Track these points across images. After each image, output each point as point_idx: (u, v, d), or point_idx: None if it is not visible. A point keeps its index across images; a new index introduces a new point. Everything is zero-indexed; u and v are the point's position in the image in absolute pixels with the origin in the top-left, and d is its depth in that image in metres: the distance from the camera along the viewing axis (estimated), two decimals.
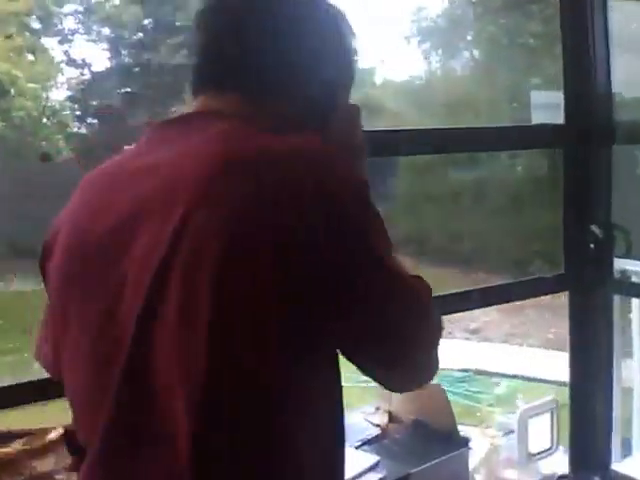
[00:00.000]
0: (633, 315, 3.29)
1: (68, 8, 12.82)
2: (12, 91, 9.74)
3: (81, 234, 1.10)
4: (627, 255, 3.03)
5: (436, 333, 1.12)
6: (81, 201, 1.16)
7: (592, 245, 3.00)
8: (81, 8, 14.48)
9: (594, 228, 3.01)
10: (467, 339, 8.76)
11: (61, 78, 12.74)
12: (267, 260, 0.94)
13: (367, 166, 1.22)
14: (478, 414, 5.60)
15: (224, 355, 0.96)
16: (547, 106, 3.30)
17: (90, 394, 1.06)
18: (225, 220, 0.96)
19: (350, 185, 1.02)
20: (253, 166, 0.99)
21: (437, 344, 1.13)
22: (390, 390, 1.30)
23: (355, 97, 1.27)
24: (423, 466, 2.31)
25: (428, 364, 1.13)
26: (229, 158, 1.00)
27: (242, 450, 0.96)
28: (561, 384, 3.79)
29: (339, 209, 0.98)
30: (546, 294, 3.41)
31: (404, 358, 1.08)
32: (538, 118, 3.33)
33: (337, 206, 0.98)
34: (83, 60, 14.77)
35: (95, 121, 15.19)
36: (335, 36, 1.18)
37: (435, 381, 1.33)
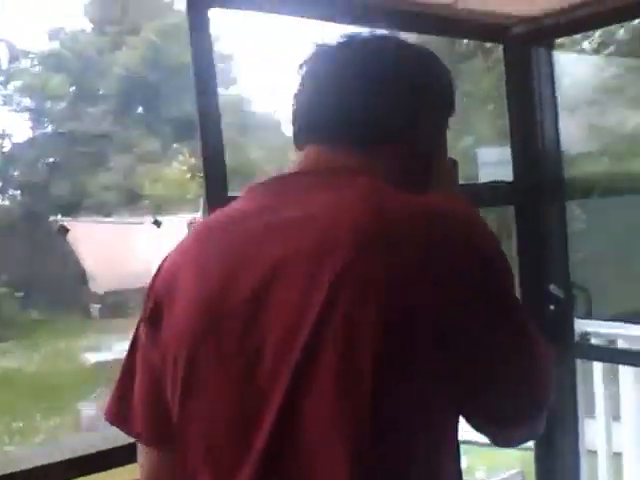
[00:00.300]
0: (595, 377, 3.17)
1: None
2: None
3: (216, 289, 0.99)
4: (588, 316, 2.94)
5: (549, 400, 1.07)
6: (202, 251, 1.06)
7: (552, 306, 2.95)
8: (1, 78, 14.24)
9: (553, 288, 2.91)
10: None
11: None
12: (427, 334, 0.89)
13: None
14: None
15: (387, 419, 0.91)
16: (494, 163, 3.28)
17: (228, 454, 0.99)
18: (380, 291, 0.89)
19: (494, 245, 0.98)
20: (403, 227, 0.93)
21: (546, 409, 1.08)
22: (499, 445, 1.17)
23: None
24: None
25: (534, 429, 1.11)
26: (373, 219, 0.93)
27: None
28: (524, 449, 3.64)
29: (492, 275, 0.95)
30: None
31: (522, 426, 1.08)
32: (486, 175, 3.22)
33: (491, 272, 0.94)
34: (3, 131, 14.48)
35: (18, 192, 14.86)
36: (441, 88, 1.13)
37: None
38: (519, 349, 0.98)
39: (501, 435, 1.08)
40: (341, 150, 1.05)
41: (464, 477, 1.09)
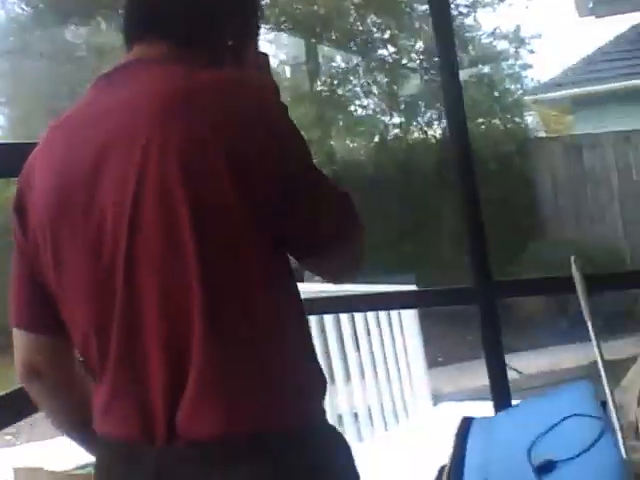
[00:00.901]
0: None
1: None
2: None
3: (61, 174, 1.22)
4: None
5: (359, 230, 1.30)
6: (52, 144, 1.28)
7: None
8: None
9: None
10: None
11: None
12: (226, 176, 1.12)
13: None
14: None
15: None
16: None
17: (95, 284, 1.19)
18: (181, 147, 1.13)
19: (283, 112, 1.23)
20: (201, 96, 1.18)
21: (360, 240, 1.31)
22: (326, 280, 1.45)
23: None
24: None
25: (354, 256, 1.32)
26: (177, 92, 1.18)
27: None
28: None
29: (280, 132, 1.19)
30: None
31: (336, 248, 1.26)
32: None
33: (278, 130, 1.19)
34: None
35: None
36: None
37: None
38: (322, 185, 1.24)
39: (324, 267, 1.31)
40: (161, 48, 1.27)
41: None
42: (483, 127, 9.95)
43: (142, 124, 1.15)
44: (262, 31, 1.45)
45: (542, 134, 10.86)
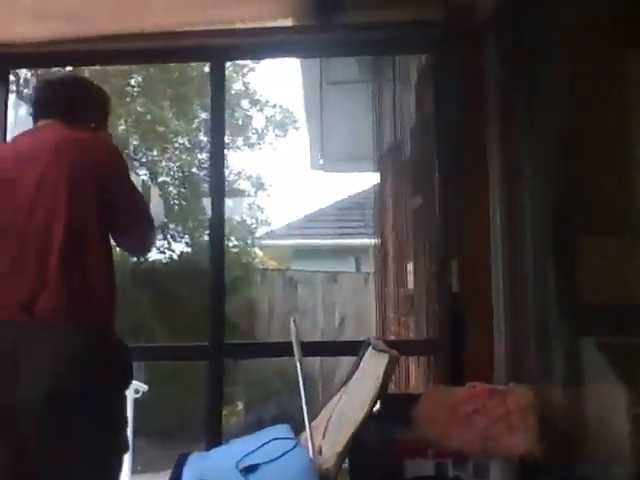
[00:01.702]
0: None
1: None
2: None
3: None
4: None
5: (150, 222, 2.40)
6: None
7: None
8: None
9: None
10: None
11: None
12: (89, 190, 2.18)
13: None
14: None
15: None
16: None
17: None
18: (67, 166, 2.17)
19: (120, 157, 2.38)
20: (77, 141, 2.26)
21: (150, 229, 2.42)
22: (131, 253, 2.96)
23: None
24: None
25: (148, 238, 2.48)
26: (62, 138, 2.26)
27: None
28: None
29: (114, 169, 2.29)
30: None
31: (138, 232, 2.38)
32: None
33: (113, 167, 2.29)
34: None
35: None
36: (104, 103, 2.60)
37: None
38: (140, 195, 2.37)
39: (131, 241, 2.43)
40: (56, 121, 2.34)
41: None
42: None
43: (44, 153, 2.21)
44: None
45: (267, 266, 12.22)
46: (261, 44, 3.31)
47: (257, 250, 12.88)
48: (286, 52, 3.58)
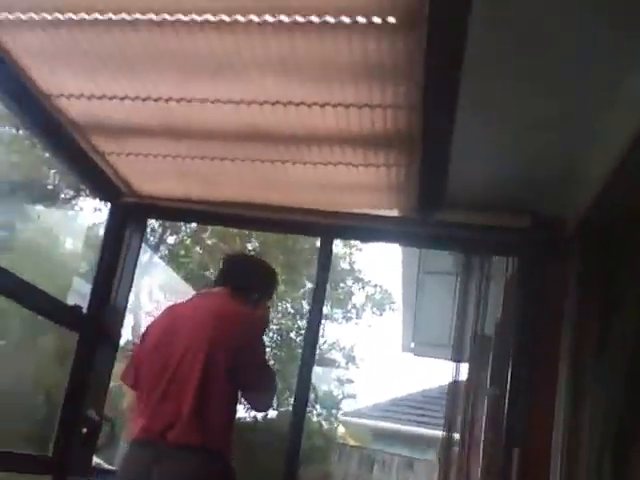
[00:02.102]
0: None
1: None
2: None
3: (162, 333, 2.82)
4: (108, 446, 3.39)
5: (271, 388, 2.92)
6: (162, 317, 2.94)
7: (85, 430, 3.31)
8: None
9: (91, 413, 3.35)
10: None
11: None
12: (220, 358, 2.70)
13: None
14: None
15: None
16: (84, 295, 3.72)
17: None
18: (205, 346, 2.69)
19: (254, 331, 2.89)
20: (228, 317, 2.79)
21: (272, 393, 2.96)
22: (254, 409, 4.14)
23: None
24: None
25: (269, 400, 3.02)
26: (219, 312, 2.81)
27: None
28: None
29: (246, 341, 2.77)
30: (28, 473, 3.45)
31: (261, 394, 2.91)
32: (72, 300, 3.65)
33: (245, 339, 2.77)
34: None
35: None
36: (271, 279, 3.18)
37: None
38: (265, 366, 2.89)
39: (258, 401, 2.98)
40: (226, 289, 2.93)
41: None
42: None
43: (197, 321, 2.78)
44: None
45: (347, 442, 12.17)
46: (368, 228, 3.66)
47: (340, 424, 12.90)
48: (388, 239, 3.94)
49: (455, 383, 3.50)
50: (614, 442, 2.75)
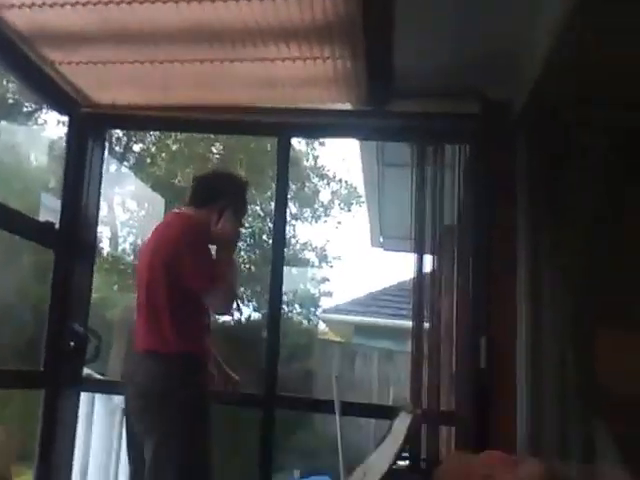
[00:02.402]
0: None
1: None
2: None
3: (139, 253, 3.25)
4: (95, 359, 3.47)
5: (223, 288, 2.90)
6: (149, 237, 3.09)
7: (72, 343, 3.39)
8: None
9: (77, 327, 3.43)
10: None
11: None
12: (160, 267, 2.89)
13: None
14: None
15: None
16: (54, 210, 3.68)
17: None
18: (158, 250, 2.92)
19: (192, 234, 2.90)
20: (169, 228, 2.99)
21: (224, 294, 2.93)
22: (215, 313, 3.08)
23: None
24: None
25: (221, 302, 2.96)
26: (165, 228, 3.01)
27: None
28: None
29: (184, 244, 2.86)
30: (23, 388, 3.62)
31: (212, 296, 2.89)
32: (44, 217, 3.61)
33: (182, 243, 2.87)
34: None
35: None
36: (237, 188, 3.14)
37: None
38: (206, 268, 2.88)
39: (211, 304, 2.94)
40: (189, 207, 3.06)
41: None
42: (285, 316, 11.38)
43: (151, 242, 2.98)
44: None
45: (328, 338, 12.43)
46: (323, 124, 3.63)
47: (321, 323, 13.12)
48: (344, 133, 3.91)
49: (420, 275, 3.49)
50: (578, 328, 2.78)
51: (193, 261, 2.86)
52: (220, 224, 2.99)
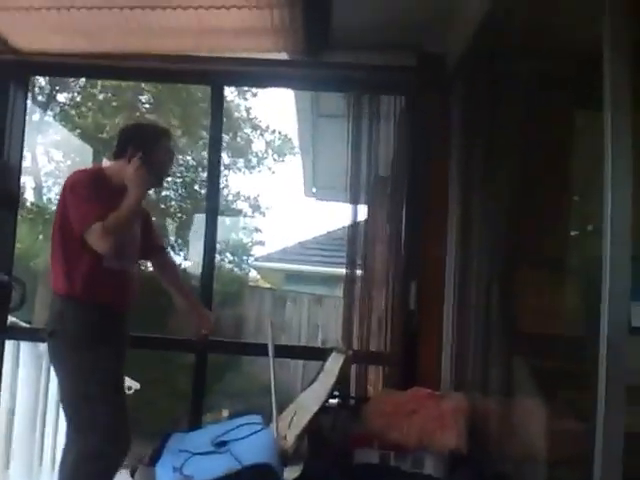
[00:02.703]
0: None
1: None
2: None
3: None
4: (20, 307, 3.50)
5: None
6: None
7: None
8: None
9: (1, 275, 3.45)
10: None
11: None
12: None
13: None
14: None
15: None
16: None
17: None
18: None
19: (73, 184, 2.97)
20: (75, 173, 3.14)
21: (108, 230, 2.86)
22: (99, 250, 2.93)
23: None
24: None
25: (100, 238, 2.88)
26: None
27: None
28: None
29: (68, 190, 2.95)
30: None
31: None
32: None
33: (68, 190, 2.95)
34: None
35: None
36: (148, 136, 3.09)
37: None
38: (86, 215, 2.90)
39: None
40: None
41: None
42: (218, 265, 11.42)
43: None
44: None
45: (258, 284, 12.56)
46: (257, 73, 3.64)
47: (252, 271, 13.21)
48: (279, 83, 3.94)
49: (354, 224, 3.60)
50: (500, 271, 2.93)
51: (71, 204, 2.92)
52: (126, 172, 2.96)
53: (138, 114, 11.75)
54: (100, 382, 2.86)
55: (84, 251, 2.88)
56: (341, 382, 2.91)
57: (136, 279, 3.12)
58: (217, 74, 3.60)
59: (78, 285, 2.91)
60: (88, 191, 2.91)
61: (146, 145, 3.02)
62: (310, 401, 2.83)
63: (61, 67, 3.76)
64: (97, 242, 2.83)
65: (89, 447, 2.81)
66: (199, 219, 11.37)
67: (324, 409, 2.74)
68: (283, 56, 3.52)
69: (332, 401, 3.02)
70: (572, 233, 2.94)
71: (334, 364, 2.99)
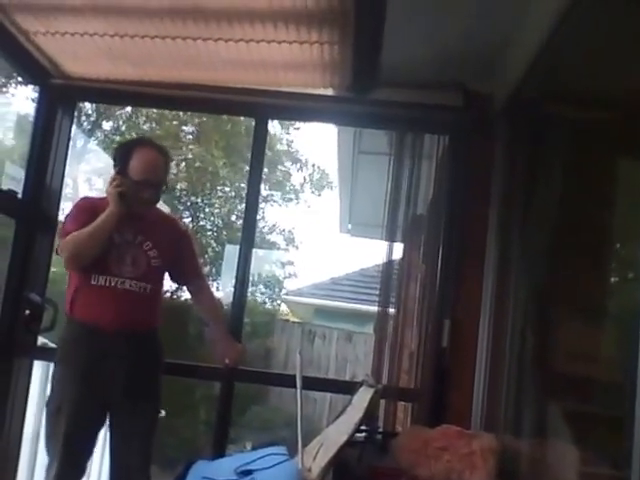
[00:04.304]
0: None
1: None
2: None
3: None
4: (51, 328, 3.42)
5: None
6: None
7: (27, 311, 3.39)
8: None
9: (33, 296, 3.43)
10: None
11: None
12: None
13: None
14: None
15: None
16: (18, 180, 3.70)
17: None
18: None
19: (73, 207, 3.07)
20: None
21: (73, 244, 2.90)
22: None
23: None
24: None
25: (66, 251, 2.92)
26: None
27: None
28: None
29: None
30: None
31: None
32: (6, 185, 3.60)
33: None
34: None
35: None
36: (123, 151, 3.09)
37: None
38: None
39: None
40: None
41: None
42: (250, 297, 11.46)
43: None
44: None
45: (288, 318, 12.54)
46: (302, 108, 3.65)
47: (282, 305, 13.22)
48: (323, 118, 3.95)
49: (389, 262, 3.59)
50: (536, 312, 2.91)
51: (65, 224, 2.99)
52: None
53: (181, 144, 11.92)
54: (67, 400, 2.89)
55: (82, 272, 2.94)
56: (369, 416, 2.88)
57: (145, 300, 3.02)
58: (262, 107, 3.60)
59: (68, 303, 2.98)
60: (79, 213, 2.98)
61: (122, 160, 3.01)
62: (337, 434, 2.80)
63: (108, 94, 3.75)
64: (61, 254, 2.92)
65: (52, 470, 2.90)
66: (233, 249, 11.41)
67: (351, 442, 2.71)
68: (329, 91, 3.53)
69: (359, 435, 2.99)
70: (612, 279, 2.91)
71: (363, 397, 2.96)
